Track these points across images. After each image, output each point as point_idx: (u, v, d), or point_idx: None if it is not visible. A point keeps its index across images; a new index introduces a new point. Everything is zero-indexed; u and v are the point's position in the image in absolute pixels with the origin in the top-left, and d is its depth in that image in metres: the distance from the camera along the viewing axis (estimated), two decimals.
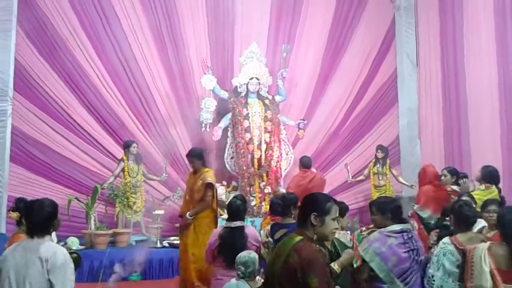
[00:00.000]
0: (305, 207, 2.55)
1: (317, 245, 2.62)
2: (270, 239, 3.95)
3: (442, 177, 5.97)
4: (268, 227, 4.09)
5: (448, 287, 3.23)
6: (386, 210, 3.39)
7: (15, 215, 3.81)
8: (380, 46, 9.31)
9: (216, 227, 5.19)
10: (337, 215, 2.56)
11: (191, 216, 5.22)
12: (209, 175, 5.31)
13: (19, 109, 7.57)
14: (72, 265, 2.77)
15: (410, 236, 3.30)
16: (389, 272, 3.18)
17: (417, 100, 9.16)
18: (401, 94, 9.27)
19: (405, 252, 3.22)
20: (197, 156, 5.41)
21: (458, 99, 8.26)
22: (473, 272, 3.00)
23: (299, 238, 2.44)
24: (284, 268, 2.37)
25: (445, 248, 3.31)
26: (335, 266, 2.90)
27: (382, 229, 3.36)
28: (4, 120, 7.36)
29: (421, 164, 8.74)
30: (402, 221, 3.38)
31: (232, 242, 4.09)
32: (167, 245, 6.81)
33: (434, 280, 3.29)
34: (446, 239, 3.41)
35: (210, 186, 5.27)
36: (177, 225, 7.65)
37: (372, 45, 9.26)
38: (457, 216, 3.50)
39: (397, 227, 3.30)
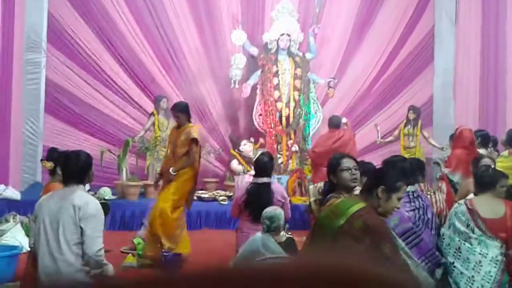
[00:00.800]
0: (375, 178, 2.60)
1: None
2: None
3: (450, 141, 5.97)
4: (321, 184, 4.11)
5: (456, 245, 3.27)
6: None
7: (49, 164, 3.89)
8: (417, 1, 8.91)
9: (194, 186, 5.08)
10: (403, 195, 2.62)
11: (174, 172, 4.88)
12: (194, 130, 5.01)
13: (52, 61, 7.72)
14: (102, 216, 2.89)
15: (416, 195, 3.32)
16: (391, 232, 3.20)
17: (453, 60, 8.82)
18: (437, 53, 8.93)
19: (409, 210, 3.25)
20: (182, 110, 5.07)
21: (497, 61, 7.95)
22: None
23: (362, 204, 2.45)
24: (345, 229, 2.36)
25: (457, 208, 3.37)
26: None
27: None
28: (38, 71, 7.52)
29: (454, 126, 8.54)
30: (409, 182, 3.29)
31: (259, 197, 4.16)
32: (195, 198, 6.97)
33: (444, 238, 3.36)
34: (461, 200, 3.46)
35: (195, 141, 4.95)
36: (207, 180, 7.84)
37: (409, 1, 8.87)
38: (475, 179, 3.54)
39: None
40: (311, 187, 4.31)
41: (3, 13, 7.27)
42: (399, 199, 2.53)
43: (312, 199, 4.09)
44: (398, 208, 2.61)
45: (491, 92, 8.09)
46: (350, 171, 3.00)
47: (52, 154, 4.03)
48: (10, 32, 7.35)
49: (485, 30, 8.23)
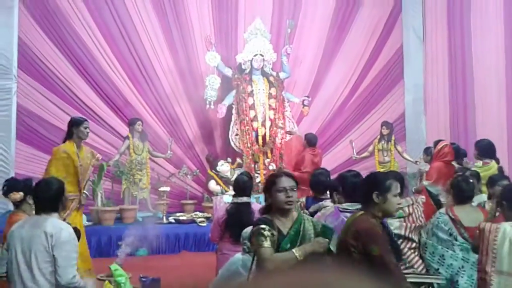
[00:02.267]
0: (366, 187, 2.68)
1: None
2: (305, 210, 3.99)
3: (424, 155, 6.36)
4: (303, 199, 4.12)
5: (439, 253, 3.35)
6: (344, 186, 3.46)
7: (18, 196, 3.68)
8: (386, 20, 9.18)
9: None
10: (398, 191, 2.63)
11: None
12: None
13: (23, 87, 7.59)
14: (76, 242, 2.82)
15: None
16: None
17: (423, 76, 9.08)
18: (407, 70, 9.18)
19: None
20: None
21: (464, 76, 8.19)
22: (496, 255, 2.90)
23: (360, 213, 2.63)
24: (344, 240, 2.57)
25: (439, 218, 3.46)
26: (297, 253, 2.60)
27: (338, 204, 3.44)
28: (9, 98, 7.38)
29: (426, 141, 8.75)
30: (358, 199, 3.27)
31: (239, 217, 4.13)
32: (173, 221, 6.89)
33: (427, 247, 3.43)
34: (442, 210, 3.58)
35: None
36: (184, 202, 7.76)
37: (378, 20, 9.13)
38: (455, 190, 3.65)
39: (351, 206, 3.26)
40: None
41: None
42: (395, 196, 2.59)
43: (294, 213, 4.09)
44: (399, 204, 2.70)
45: (460, 106, 8.32)
46: (285, 193, 2.70)
47: (17, 184, 3.80)
48: None
49: (452, 47, 8.51)
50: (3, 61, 7.35)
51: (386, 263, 2.43)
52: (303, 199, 4.14)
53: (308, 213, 3.99)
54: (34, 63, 7.69)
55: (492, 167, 5.08)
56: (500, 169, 5.12)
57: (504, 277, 2.88)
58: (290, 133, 7.88)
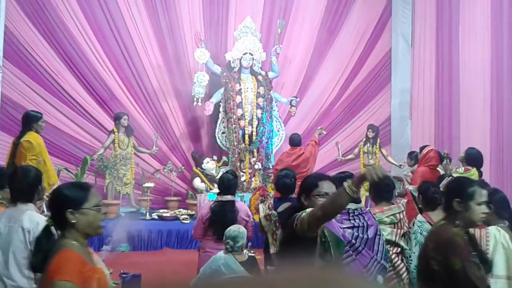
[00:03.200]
0: (448, 193, 2.54)
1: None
2: (273, 211, 4.00)
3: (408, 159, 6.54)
4: (271, 200, 4.13)
5: None
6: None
7: None
8: (375, 24, 9.24)
9: None
10: (484, 199, 2.42)
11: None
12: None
13: (8, 77, 7.46)
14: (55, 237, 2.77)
15: (357, 213, 3.15)
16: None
17: (410, 81, 9.16)
18: (394, 74, 9.26)
19: (346, 228, 3.09)
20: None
21: (450, 82, 8.29)
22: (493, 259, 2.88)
23: (442, 222, 2.46)
24: (424, 252, 2.44)
25: (422, 227, 3.41)
26: (348, 187, 2.24)
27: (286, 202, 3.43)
28: None
29: (411, 145, 8.85)
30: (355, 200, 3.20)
31: (223, 215, 4.13)
32: (156, 217, 6.86)
33: (411, 260, 3.36)
34: (420, 217, 3.51)
35: None
36: (168, 198, 7.72)
37: (368, 24, 9.19)
38: (424, 197, 3.69)
39: None
40: (260, 205, 4.32)
41: None
42: (479, 204, 2.40)
43: (261, 215, 4.11)
44: (485, 213, 2.44)
45: (446, 112, 8.41)
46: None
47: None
48: None
49: (439, 52, 8.60)
50: None
51: (468, 277, 2.22)
52: (271, 201, 4.18)
53: (276, 213, 4.02)
54: (20, 53, 7.56)
55: (473, 174, 5.15)
56: (480, 175, 5.19)
57: (501, 281, 2.87)
58: (320, 132, 7.47)
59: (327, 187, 2.50)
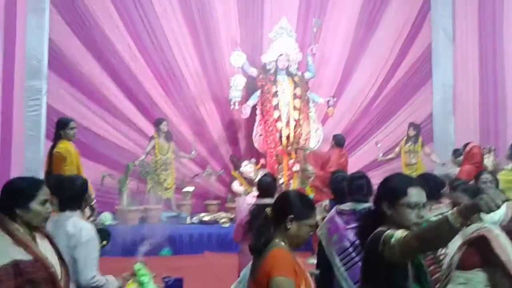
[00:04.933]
0: None
1: None
2: None
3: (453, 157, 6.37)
4: (326, 201, 4.08)
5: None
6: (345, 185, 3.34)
7: None
8: (414, 20, 8.98)
9: None
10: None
11: None
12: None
13: (53, 87, 7.76)
14: (97, 242, 2.83)
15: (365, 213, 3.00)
16: (331, 249, 3.10)
17: (452, 76, 8.85)
18: (435, 69, 8.97)
19: (351, 228, 3.02)
20: None
21: (495, 76, 7.97)
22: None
23: None
24: None
25: None
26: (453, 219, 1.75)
27: (338, 205, 3.31)
28: (40, 98, 7.56)
29: (455, 142, 8.53)
30: (360, 199, 3.19)
31: None
32: (196, 221, 6.94)
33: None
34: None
35: None
36: (208, 202, 7.81)
37: (406, 19, 8.95)
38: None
39: (347, 206, 3.19)
40: (316, 206, 4.27)
41: (4, 40, 7.35)
42: None
43: (318, 217, 4.06)
44: None
45: (491, 107, 8.09)
46: (418, 210, 2.03)
47: (48, 181, 3.95)
48: (11, 59, 7.42)
49: (482, 46, 8.27)
50: (34, 61, 7.52)
51: None
52: (327, 202, 4.11)
53: None
54: (65, 63, 7.85)
55: None
56: None
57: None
58: (302, 148, 7.59)
59: (417, 195, 2.04)
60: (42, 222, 2.19)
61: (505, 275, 2.62)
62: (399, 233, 1.90)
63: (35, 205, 2.12)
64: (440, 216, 3.26)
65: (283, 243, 2.11)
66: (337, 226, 3.12)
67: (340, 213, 3.21)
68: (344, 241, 3.07)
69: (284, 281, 1.95)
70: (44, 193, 2.18)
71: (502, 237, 2.73)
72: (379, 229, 2.03)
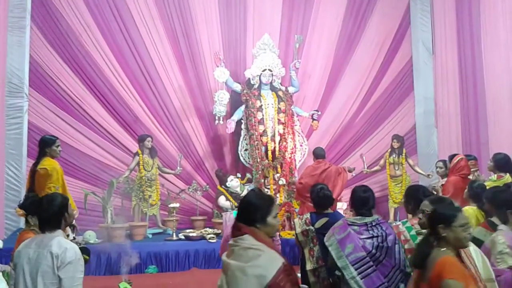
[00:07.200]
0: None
1: None
2: (311, 227, 3.96)
3: (438, 169, 6.56)
4: (308, 215, 4.08)
5: None
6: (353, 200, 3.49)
7: (21, 212, 3.72)
8: (395, 34, 9.16)
9: None
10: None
11: None
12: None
13: (35, 105, 7.67)
14: (82, 262, 2.78)
15: (375, 223, 3.29)
16: (345, 259, 3.18)
17: (433, 88, 9.00)
18: (417, 82, 9.12)
19: (366, 238, 3.21)
20: None
21: (475, 87, 8.09)
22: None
23: None
24: None
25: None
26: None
27: (347, 217, 3.48)
28: (21, 116, 7.46)
29: (438, 153, 8.65)
30: (365, 213, 3.38)
31: None
32: (183, 237, 6.85)
33: None
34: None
35: None
36: (194, 218, 7.72)
37: (387, 34, 9.12)
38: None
39: (359, 219, 3.34)
40: (296, 219, 4.27)
41: None
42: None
43: (298, 230, 4.05)
44: None
45: (472, 118, 8.20)
46: (468, 228, 2.53)
47: (25, 201, 3.80)
48: None
49: (462, 58, 8.42)
50: (15, 80, 7.44)
51: None
52: (308, 215, 4.11)
53: (314, 229, 3.95)
54: (45, 81, 7.78)
55: (506, 181, 4.98)
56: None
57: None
58: (349, 170, 7.40)
59: (464, 217, 2.54)
60: (275, 233, 2.59)
61: None
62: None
63: (270, 219, 2.38)
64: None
65: (448, 251, 2.46)
66: (351, 236, 3.23)
67: (352, 225, 3.33)
68: (360, 250, 3.18)
69: (455, 284, 2.30)
70: (276, 208, 2.46)
71: None
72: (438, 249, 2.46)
